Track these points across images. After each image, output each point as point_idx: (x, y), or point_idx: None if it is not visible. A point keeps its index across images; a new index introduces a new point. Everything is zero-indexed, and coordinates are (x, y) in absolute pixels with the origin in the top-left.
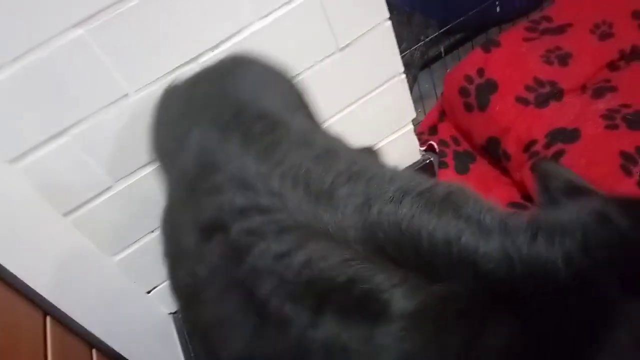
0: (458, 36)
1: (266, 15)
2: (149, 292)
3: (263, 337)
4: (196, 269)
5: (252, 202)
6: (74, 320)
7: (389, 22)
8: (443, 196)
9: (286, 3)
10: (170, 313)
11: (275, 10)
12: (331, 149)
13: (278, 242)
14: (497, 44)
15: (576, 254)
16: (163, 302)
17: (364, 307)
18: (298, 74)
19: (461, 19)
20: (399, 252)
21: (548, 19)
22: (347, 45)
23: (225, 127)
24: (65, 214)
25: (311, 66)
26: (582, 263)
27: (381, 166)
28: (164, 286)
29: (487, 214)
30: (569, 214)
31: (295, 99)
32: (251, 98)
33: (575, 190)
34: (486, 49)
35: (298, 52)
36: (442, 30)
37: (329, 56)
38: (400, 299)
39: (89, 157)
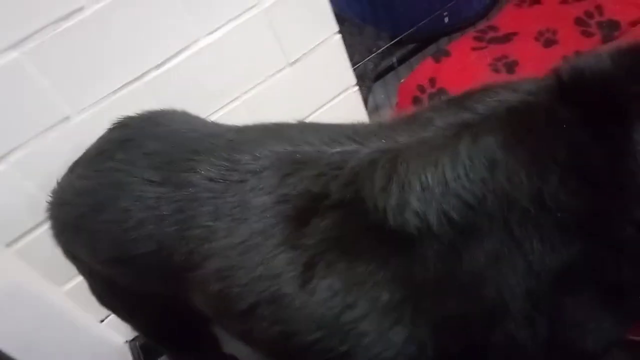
0: (410, 47)
1: (213, 32)
2: (102, 321)
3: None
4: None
5: (324, 167)
6: None
7: (339, 36)
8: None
9: (232, 19)
10: (127, 341)
11: (221, 26)
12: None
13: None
14: (447, 54)
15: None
16: (118, 331)
17: None
18: (250, 89)
19: (411, 30)
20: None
21: (494, 28)
22: (297, 60)
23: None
24: (8, 244)
25: (263, 81)
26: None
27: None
28: None
29: None
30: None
31: None
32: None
33: None
34: (436, 59)
35: (248, 68)
36: (393, 42)
37: (279, 71)
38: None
39: (31, 183)
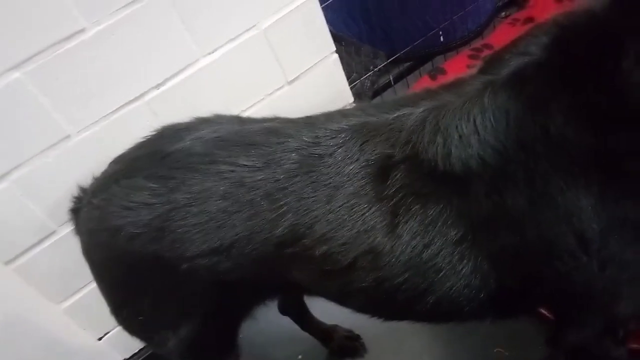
0: (406, 65)
1: (212, 52)
2: (100, 339)
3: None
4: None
5: (389, 131)
6: None
7: (336, 55)
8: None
9: (231, 39)
10: (125, 359)
11: (220, 46)
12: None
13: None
14: (442, 72)
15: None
16: (116, 348)
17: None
18: (249, 107)
19: (407, 48)
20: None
21: (489, 46)
22: (295, 79)
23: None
24: (7, 262)
25: (262, 99)
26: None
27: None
28: (117, 331)
29: None
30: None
31: None
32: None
33: None
34: (432, 77)
35: (248, 87)
36: (389, 60)
37: (278, 89)
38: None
39: (31, 202)
